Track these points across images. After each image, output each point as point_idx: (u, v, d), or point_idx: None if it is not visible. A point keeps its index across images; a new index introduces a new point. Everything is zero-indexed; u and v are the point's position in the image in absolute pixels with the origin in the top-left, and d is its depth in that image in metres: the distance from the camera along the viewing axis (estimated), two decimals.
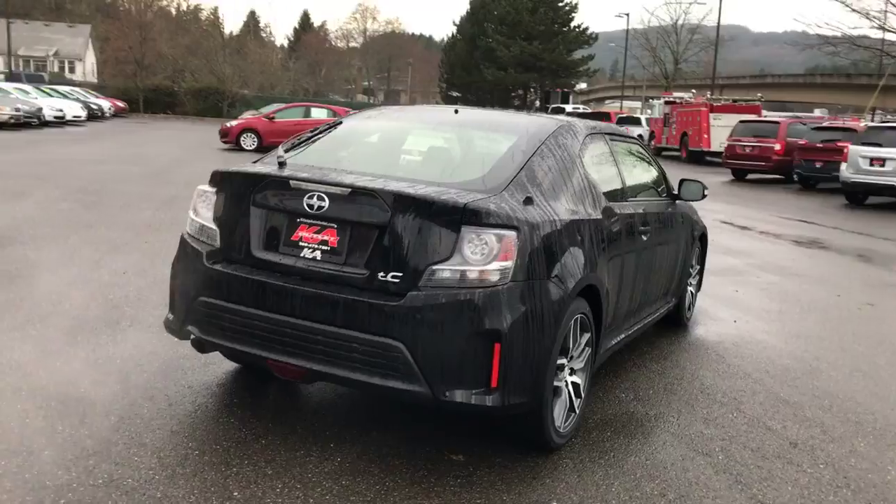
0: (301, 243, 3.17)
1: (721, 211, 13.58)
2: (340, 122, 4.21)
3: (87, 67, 62.77)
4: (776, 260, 9.10)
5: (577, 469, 3.29)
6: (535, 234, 3.09)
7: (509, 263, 2.96)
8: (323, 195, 3.11)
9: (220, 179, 3.43)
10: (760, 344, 5.47)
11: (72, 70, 62.72)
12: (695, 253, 5.77)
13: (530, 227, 3.07)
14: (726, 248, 9.69)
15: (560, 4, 56.32)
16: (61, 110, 28.38)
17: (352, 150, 3.88)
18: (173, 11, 70.12)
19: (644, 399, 4.21)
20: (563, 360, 3.39)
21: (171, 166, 15.37)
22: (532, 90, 60.09)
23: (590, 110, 44.95)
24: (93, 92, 39.33)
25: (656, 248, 4.65)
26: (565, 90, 56.19)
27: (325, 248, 3.13)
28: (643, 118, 36.08)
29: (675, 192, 5.19)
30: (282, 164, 3.45)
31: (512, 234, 2.99)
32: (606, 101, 77.79)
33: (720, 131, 24.87)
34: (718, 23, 44.46)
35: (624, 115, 38.14)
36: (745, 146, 20.99)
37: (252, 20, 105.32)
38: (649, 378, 4.57)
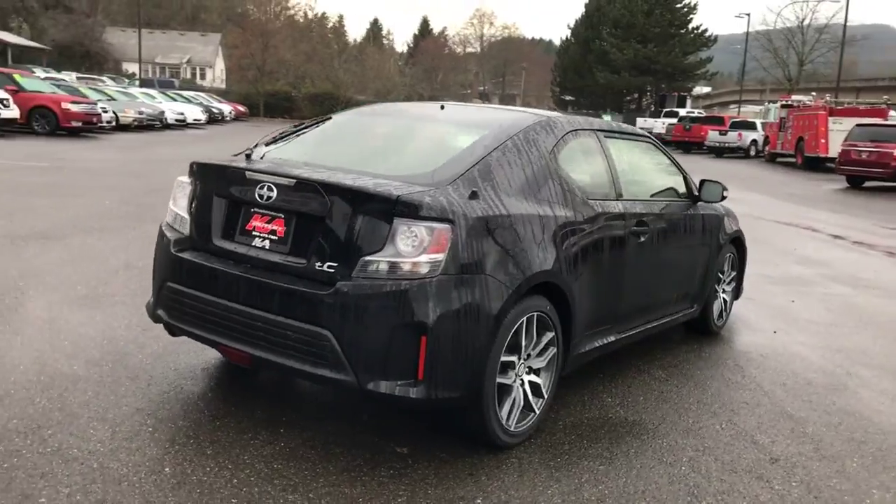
0: (254, 233, 3.27)
1: (821, 220, 12.87)
2: (329, 118, 4.30)
3: (216, 74, 66.25)
4: (856, 271, 8.52)
5: (519, 468, 3.23)
6: (473, 228, 3.06)
7: (440, 256, 2.95)
8: (272, 186, 3.21)
9: (194, 170, 3.59)
10: (791, 357, 5.16)
11: (202, 76, 66.39)
12: (727, 258, 5.51)
13: (468, 220, 3.05)
14: (804, 257, 9.19)
15: (677, 6, 54.74)
16: (182, 114, 30.09)
17: (324, 143, 3.95)
18: (301, 20, 72.92)
19: (630, 405, 4.07)
20: (513, 358, 3.33)
21: None
22: (648, 94, 58.70)
23: (704, 114, 43.39)
24: (216, 97, 41.47)
25: (663, 250, 4.49)
26: (682, 94, 54.57)
27: (273, 237, 3.21)
28: (758, 122, 34.51)
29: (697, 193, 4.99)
30: (248, 156, 3.57)
31: (445, 226, 2.97)
32: (731, 106, 74.87)
33: (840, 136, 23.41)
34: (846, 20, 41.95)
35: (738, 120, 36.60)
36: (861, 151, 19.72)
37: (375, 28, 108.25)
38: (647, 384, 4.41)
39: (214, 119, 35.33)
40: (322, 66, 51.11)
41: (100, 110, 21.59)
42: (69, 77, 40.69)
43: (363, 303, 2.91)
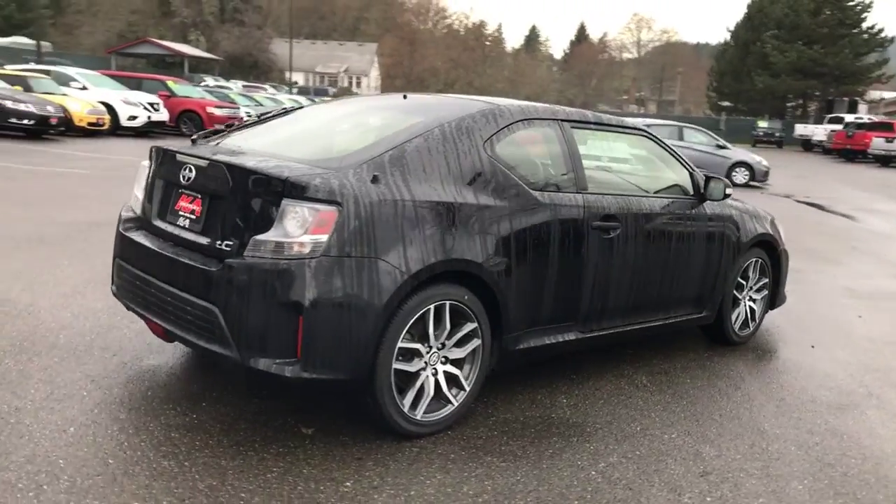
0: (179, 212, 3.44)
1: None
2: (300, 108, 4.42)
3: (371, 82, 68.84)
4: None
5: (415, 457, 3.18)
6: (366, 211, 3.06)
7: (323, 237, 2.97)
8: (192, 167, 3.36)
9: (151, 154, 3.81)
10: (811, 373, 4.73)
11: (358, 84, 69.19)
12: (751, 263, 5.11)
13: (359, 203, 3.05)
14: None
15: (849, 4, 50.84)
16: None
17: (271, 130, 4.05)
18: (460, 30, 74.41)
19: (582, 407, 3.89)
20: (419, 346, 3.28)
21: None
22: (814, 98, 54.92)
23: (875, 119, 40.06)
24: None
25: (649, 249, 4.25)
26: (853, 98, 50.67)
27: (192, 216, 3.36)
28: None
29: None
30: (193, 141, 3.75)
31: (331, 208, 3.00)
32: None
33: None
34: None
35: None
36: None
37: (532, 35, 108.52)
38: (619, 389, 4.19)
39: None
40: (466, 71, 51.82)
41: (242, 114, 23.02)
42: (235, 85, 43.73)
43: (245, 280, 2.99)
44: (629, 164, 4.90)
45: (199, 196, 3.35)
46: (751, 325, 5.28)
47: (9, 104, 15.39)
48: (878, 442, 3.75)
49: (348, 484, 2.93)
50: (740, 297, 5.15)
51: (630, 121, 4.68)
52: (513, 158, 3.72)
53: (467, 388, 3.50)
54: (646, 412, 3.89)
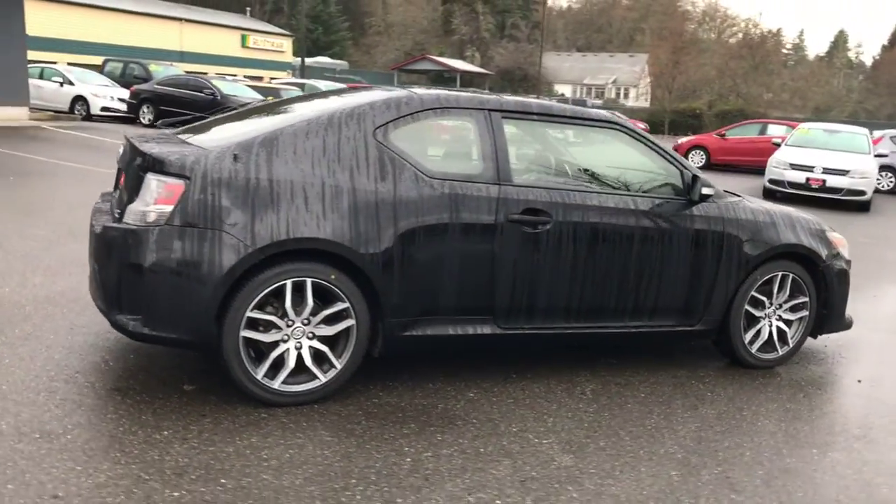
0: (117, 189, 3.97)
1: None
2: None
3: (640, 92, 67.45)
4: None
5: (265, 425, 3.33)
6: (215, 185, 3.33)
7: (168, 208, 3.30)
8: (122, 148, 3.88)
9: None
10: (836, 409, 4.11)
11: (626, 95, 68.18)
12: (776, 277, 4.52)
13: (208, 178, 3.33)
14: None
15: None
16: None
17: (221, 123, 4.35)
18: (755, 38, 70.23)
19: (484, 405, 3.78)
20: (272, 317, 3.46)
21: None
22: None
23: None
24: (618, 114, 42.34)
25: (604, 249, 4.01)
26: None
27: (120, 192, 3.87)
28: None
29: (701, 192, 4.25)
30: (157, 127, 4.27)
31: (178, 182, 3.32)
32: None
33: None
34: None
35: None
36: None
37: (840, 40, 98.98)
38: (545, 393, 4.00)
39: None
40: (734, 81, 48.79)
41: None
42: None
43: (108, 242, 3.41)
44: (582, 158, 4.59)
45: (121, 172, 3.84)
46: (779, 349, 4.66)
47: None
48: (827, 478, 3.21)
49: (192, 436, 3.19)
50: (759, 314, 4.57)
51: (598, 113, 4.38)
52: (410, 145, 3.75)
53: (338, 366, 3.61)
54: (548, 419, 3.68)
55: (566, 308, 4.06)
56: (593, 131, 4.29)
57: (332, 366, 3.61)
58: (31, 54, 35.00)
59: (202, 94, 18.19)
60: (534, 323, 4.02)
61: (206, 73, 31.98)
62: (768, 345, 4.65)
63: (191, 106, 18.16)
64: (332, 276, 3.51)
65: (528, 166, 4.07)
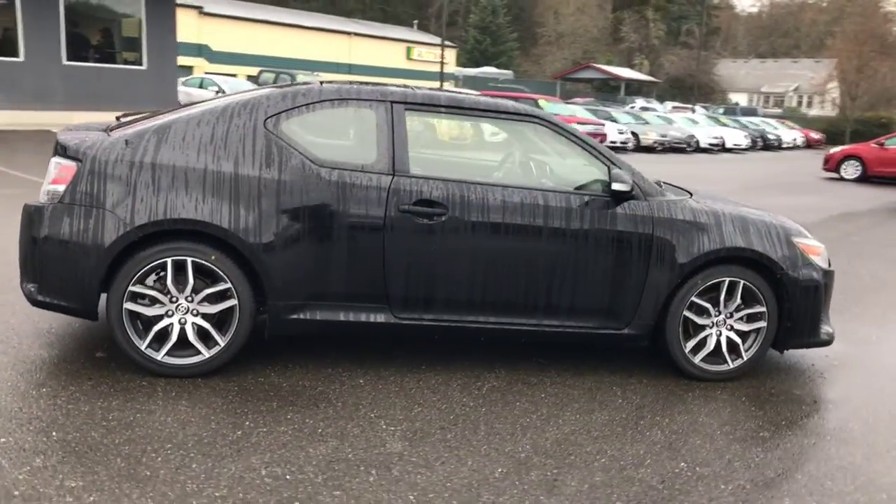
0: None
1: None
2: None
3: (827, 99, 62.72)
4: None
5: (131, 391, 3.61)
6: (101, 168, 3.64)
7: (60, 188, 3.66)
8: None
9: None
10: (764, 431, 3.81)
11: (808, 104, 63.66)
12: (721, 282, 4.21)
13: (96, 161, 3.65)
14: None
15: None
16: (719, 138, 30.17)
17: (153, 116, 4.57)
18: None
19: (363, 392, 3.83)
20: (154, 292, 3.71)
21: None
22: None
23: None
24: (789, 123, 39.73)
25: (498, 242, 3.94)
26: None
27: None
28: None
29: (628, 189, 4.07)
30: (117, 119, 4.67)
31: (71, 164, 3.67)
32: None
33: None
34: None
35: None
36: None
37: None
38: (431, 388, 3.98)
39: (769, 145, 34.18)
40: None
41: (605, 131, 23.58)
42: (664, 107, 44.14)
43: (22, 218, 3.81)
44: (512, 152, 4.46)
45: None
46: (730, 361, 4.32)
47: None
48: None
49: (63, 395, 3.52)
50: (704, 322, 4.27)
51: (517, 106, 4.25)
52: (302, 135, 3.88)
53: (221, 343, 3.80)
54: (415, 408, 3.67)
55: (469, 301, 4.02)
56: (511, 125, 4.21)
57: (216, 342, 3.81)
58: (217, 67, 38.09)
59: None
60: (433, 314, 4.02)
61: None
62: (716, 356, 4.33)
63: None
64: (213, 257, 3.71)
65: (430, 158, 4.07)
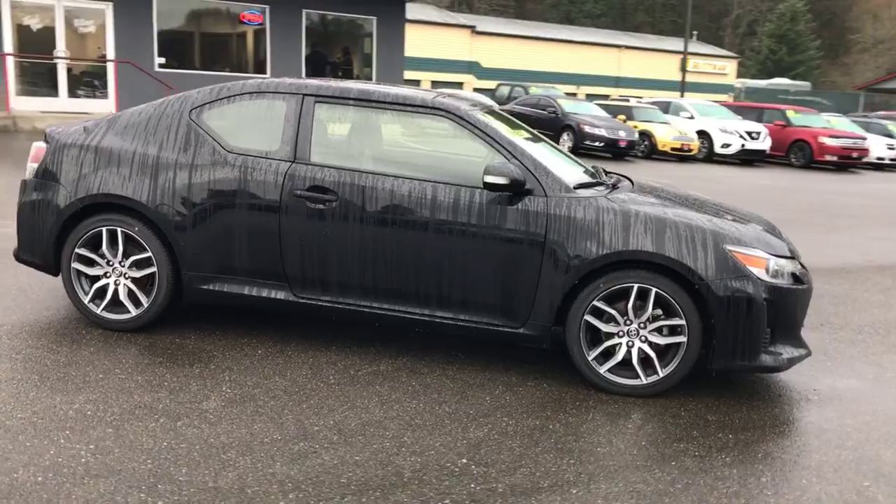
0: None
1: None
2: None
3: None
4: None
5: (29, 334, 4.34)
6: (60, 150, 4.39)
7: (35, 165, 4.48)
8: None
9: None
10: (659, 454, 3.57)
11: None
12: (629, 287, 3.89)
13: (57, 144, 4.41)
14: None
15: None
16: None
17: None
18: None
19: (257, 362, 4.17)
20: (94, 256, 4.35)
21: None
22: None
23: None
24: None
25: (385, 231, 4.06)
26: None
27: None
28: None
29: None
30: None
31: (43, 146, 4.47)
32: None
33: None
34: None
35: None
36: None
37: None
38: (340, 369, 4.18)
39: None
40: None
41: (865, 145, 21.00)
42: None
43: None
44: (416, 144, 4.40)
45: None
46: (643, 376, 3.97)
47: (586, 128, 18.24)
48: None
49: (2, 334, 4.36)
50: (611, 329, 3.97)
51: (424, 98, 4.23)
52: (220, 124, 4.31)
53: (144, 304, 4.37)
54: (266, 383, 3.91)
55: (362, 286, 4.17)
56: (417, 117, 4.27)
57: (141, 303, 4.38)
58: (484, 84, 39.91)
59: (545, 112, 19.36)
60: (330, 295, 4.23)
61: (608, 96, 33.22)
62: (626, 368, 4.00)
63: (536, 123, 19.50)
64: (136, 229, 4.29)
65: (331, 147, 4.26)
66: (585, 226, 3.92)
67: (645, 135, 19.79)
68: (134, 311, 4.39)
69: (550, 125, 19.09)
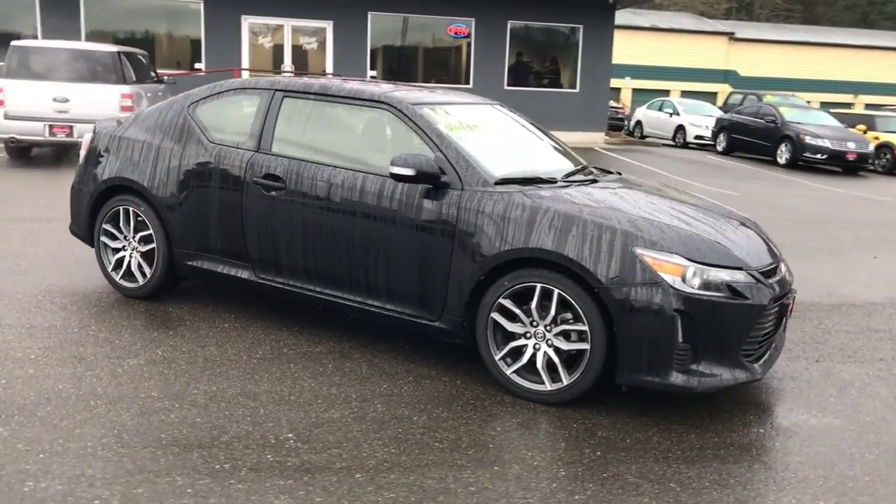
0: None
1: None
2: None
3: None
4: None
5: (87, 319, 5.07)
6: (99, 140, 5.14)
7: (83, 152, 5.28)
8: None
9: None
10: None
11: None
12: (533, 286, 3.71)
13: (98, 135, 5.16)
14: None
15: None
16: None
17: None
18: None
19: (199, 335, 4.58)
20: (114, 231, 5.03)
21: None
22: None
23: None
24: None
25: (321, 218, 4.24)
26: None
27: None
28: None
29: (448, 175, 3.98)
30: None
31: (90, 136, 5.27)
32: None
33: None
34: None
35: None
36: None
37: None
38: (273, 351, 4.47)
39: None
40: None
41: None
42: None
43: None
44: (361, 137, 4.40)
45: None
46: (547, 382, 3.75)
47: (807, 139, 16.58)
48: None
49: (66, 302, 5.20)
50: (516, 329, 3.81)
51: (373, 92, 4.27)
52: (208, 117, 4.76)
53: (147, 275, 4.96)
54: (184, 349, 4.29)
55: (306, 270, 4.39)
56: (365, 111, 4.38)
57: (145, 275, 4.99)
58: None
59: (762, 122, 17.86)
60: (283, 278, 4.51)
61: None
62: (534, 372, 3.80)
63: (753, 133, 18.11)
64: (142, 209, 4.91)
65: (290, 139, 4.47)
66: (493, 220, 3.80)
67: (887, 147, 17.50)
68: (141, 281, 5.00)
69: (767, 136, 17.60)
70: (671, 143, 21.94)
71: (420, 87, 5.06)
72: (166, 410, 3.48)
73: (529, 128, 5.11)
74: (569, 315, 3.69)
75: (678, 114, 22.20)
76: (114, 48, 11.42)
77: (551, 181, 4.19)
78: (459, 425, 3.50)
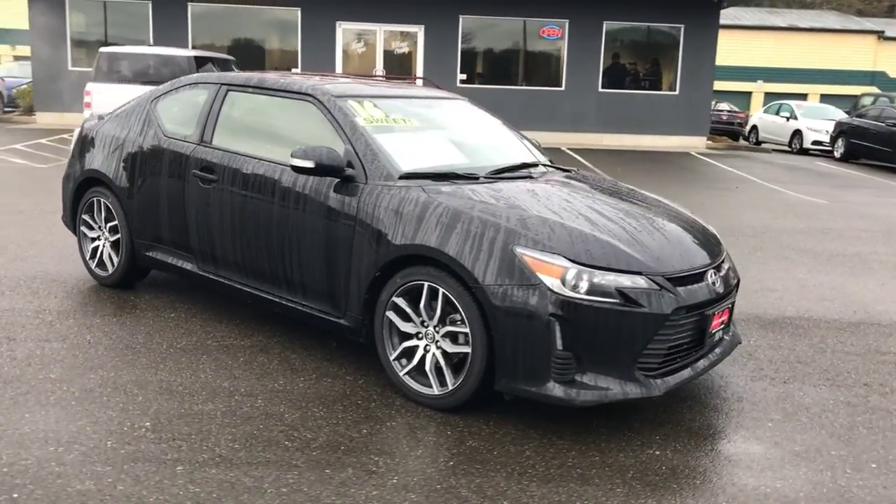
0: None
1: None
2: None
3: None
4: None
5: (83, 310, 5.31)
6: (83, 134, 5.37)
7: (72, 146, 5.54)
8: None
9: None
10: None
11: None
12: (410, 282, 3.54)
13: (83, 130, 5.40)
14: None
15: None
16: None
17: None
18: None
19: (170, 325, 4.67)
20: (90, 221, 5.24)
21: None
22: None
23: None
24: None
25: (244, 211, 4.23)
26: None
27: None
28: None
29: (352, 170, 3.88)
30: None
31: (77, 130, 5.52)
32: None
33: None
34: None
35: None
36: None
37: None
38: (229, 349, 4.49)
39: None
40: None
41: None
42: None
43: None
44: (289, 129, 4.28)
45: None
46: (435, 386, 3.55)
47: None
48: None
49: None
50: (407, 329, 3.63)
51: (301, 85, 4.17)
52: (165, 111, 4.85)
53: (115, 263, 5.13)
54: (140, 340, 4.36)
55: (236, 263, 4.39)
56: (295, 103, 4.30)
57: (114, 264, 5.16)
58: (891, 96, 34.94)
59: (884, 125, 16.38)
60: (219, 271, 4.53)
61: None
62: (423, 375, 3.61)
63: (874, 138, 16.68)
64: (110, 199, 5.08)
65: (228, 131, 4.49)
66: (388, 215, 3.64)
67: None
68: (110, 270, 5.18)
69: (889, 141, 16.13)
70: (787, 149, 20.55)
71: (374, 79, 4.95)
72: (48, 393, 3.55)
73: (491, 126, 4.89)
74: (458, 316, 3.47)
75: (795, 118, 20.74)
76: (193, 53, 12.00)
77: (471, 177, 3.98)
78: (326, 426, 3.36)
